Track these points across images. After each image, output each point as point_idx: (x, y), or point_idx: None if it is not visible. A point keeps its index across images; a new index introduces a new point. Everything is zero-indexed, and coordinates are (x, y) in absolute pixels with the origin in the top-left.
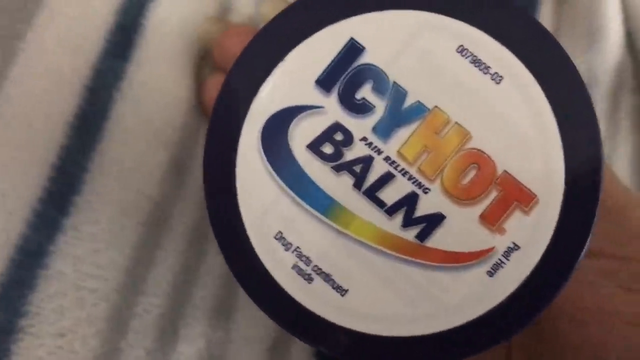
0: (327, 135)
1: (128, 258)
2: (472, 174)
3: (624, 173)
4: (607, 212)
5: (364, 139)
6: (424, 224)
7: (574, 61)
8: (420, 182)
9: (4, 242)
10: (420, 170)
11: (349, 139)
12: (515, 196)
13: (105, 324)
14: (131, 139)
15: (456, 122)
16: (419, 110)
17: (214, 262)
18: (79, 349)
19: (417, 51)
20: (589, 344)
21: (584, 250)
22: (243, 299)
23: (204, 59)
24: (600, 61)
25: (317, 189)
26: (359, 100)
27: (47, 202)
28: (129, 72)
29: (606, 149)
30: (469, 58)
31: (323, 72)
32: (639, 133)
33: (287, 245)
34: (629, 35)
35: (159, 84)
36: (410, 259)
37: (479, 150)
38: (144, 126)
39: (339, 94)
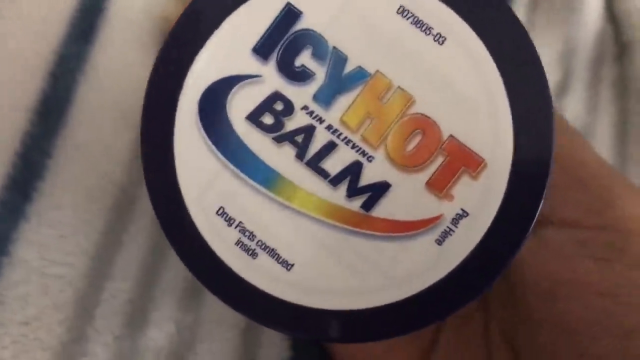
0: (266, 105)
1: (94, 243)
2: (417, 139)
3: (606, 143)
4: (580, 181)
5: (305, 107)
6: (369, 194)
7: (553, 31)
8: (364, 150)
9: None
10: (363, 138)
11: (289, 108)
12: (462, 161)
13: (72, 310)
14: (96, 123)
15: (399, 87)
16: (360, 75)
17: None
18: (44, 337)
19: (356, 13)
20: (563, 317)
21: (536, 215)
22: None
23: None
24: (580, 32)
25: (259, 161)
26: (298, 67)
27: (10, 189)
28: (92, 56)
29: (588, 119)
30: (410, 19)
31: (260, 39)
32: (621, 103)
33: (229, 221)
34: (608, 4)
35: (123, 67)
36: (356, 229)
37: (423, 114)
38: (109, 110)
39: (277, 62)
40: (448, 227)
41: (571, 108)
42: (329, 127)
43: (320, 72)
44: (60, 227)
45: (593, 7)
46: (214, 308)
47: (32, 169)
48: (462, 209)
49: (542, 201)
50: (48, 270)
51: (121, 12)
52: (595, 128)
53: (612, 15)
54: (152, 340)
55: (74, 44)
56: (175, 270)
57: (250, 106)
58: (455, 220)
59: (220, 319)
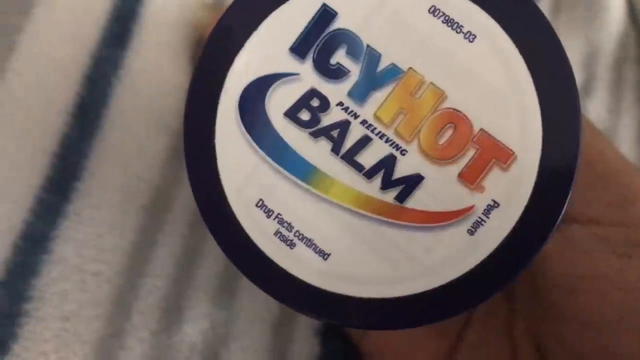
0: (303, 101)
1: (130, 241)
2: (448, 133)
3: (628, 144)
4: (600, 178)
5: (340, 103)
6: (402, 186)
7: (575, 34)
8: (397, 144)
9: (8, 229)
10: (397, 132)
11: (325, 104)
12: (493, 154)
13: (109, 306)
14: (130, 126)
15: (431, 83)
16: (393, 72)
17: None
18: (83, 331)
19: (389, 13)
20: (584, 312)
21: (565, 205)
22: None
23: (199, 45)
24: (602, 34)
25: (296, 155)
26: (333, 65)
27: (49, 189)
28: (127, 60)
29: (610, 121)
30: (441, 18)
31: (297, 39)
32: None
33: (268, 213)
34: (631, 6)
35: (156, 71)
36: (390, 220)
37: (454, 109)
38: (143, 112)
39: (313, 60)
40: (480, 217)
41: (593, 110)
42: (363, 122)
43: (355, 70)
44: (97, 226)
45: (616, 11)
46: (247, 305)
47: (69, 169)
48: (493, 200)
49: (570, 192)
50: (86, 267)
51: (155, 17)
52: (617, 129)
53: (635, 18)
54: (187, 335)
55: (108, 49)
56: (209, 268)
57: (288, 103)
58: (487, 211)
59: (252, 315)
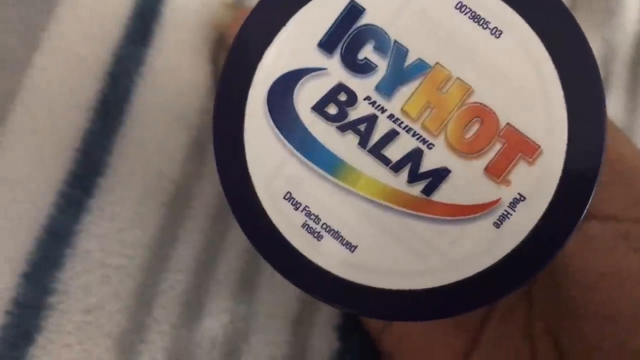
0: (331, 96)
1: (152, 236)
2: (475, 127)
3: None
4: (618, 175)
5: (368, 98)
6: (429, 179)
7: (591, 33)
8: (424, 138)
9: (32, 223)
10: (424, 126)
11: (352, 98)
12: (519, 148)
13: (131, 300)
14: (152, 123)
15: (458, 78)
16: (420, 67)
17: (237, 238)
18: (105, 324)
19: (416, 9)
20: (605, 309)
21: (590, 199)
22: (266, 273)
23: (219, 44)
24: (618, 34)
25: (323, 149)
26: (361, 60)
27: (72, 184)
28: (149, 58)
29: (627, 119)
30: (468, 14)
31: (325, 34)
32: None
33: (296, 205)
34: None
35: (178, 69)
36: (417, 213)
37: (481, 104)
38: (164, 110)
39: (341, 55)
40: (506, 210)
41: (611, 108)
42: (390, 116)
43: (382, 65)
44: (119, 221)
45: (631, 10)
46: (267, 300)
47: (92, 165)
48: (519, 194)
49: (595, 187)
50: (108, 261)
51: (176, 15)
52: (635, 127)
53: None
54: (208, 329)
55: (130, 46)
56: (229, 264)
57: (316, 97)
58: (513, 204)
59: (272, 310)
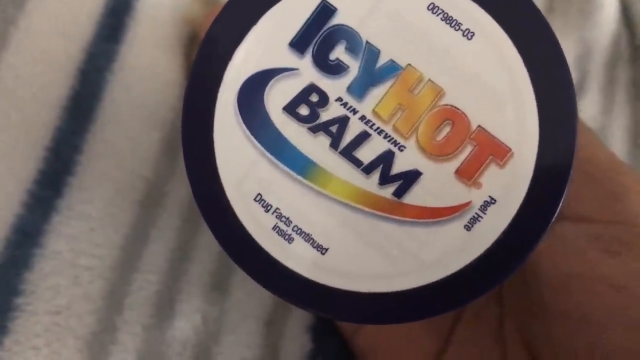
0: (302, 96)
1: (123, 236)
2: (446, 130)
3: (620, 143)
4: (590, 176)
5: (339, 99)
6: (400, 181)
7: (568, 33)
8: (395, 140)
9: (0, 223)
10: (395, 128)
11: (324, 99)
12: (490, 150)
13: (101, 301)
14: (124, 120)
15: (429, 79)
16: (392, 68)
17: (210, 239)
18: (75, 326)
19: (388, 10)
20: (576, 310)
21: (561, 202)
22: (238, 274)
23: (193, 40)
24: (596, 34)
25: (295, 150)
26: (333, 61)
27: (41, 183)
28: (120, 55)
29: (603, 121)
30: (440, 15)
31: (296, 34)
32: (635, 104)
33: (266, 207)
34: (623, 7)
35: (150, 66)
36: (388, 215)
37: (452, 106)
38: (136, 107)
39: (313, 56)
40: (476, 213)
41: (586, 109)
42: (362, 118)
43: (354, 66)
44: (90, 221)
45: (609, 11)
46: (239, 301)
47: (62, 164)
48: (490, 197)
49: (566, 190)
50: (78, 262)
51: (149, 11)
52: (610, 129)
53: (628, 18)
54: (179, 330)
55: (102, 43)
56: (201, 264)
57: (287, 98)
58: (484, 207)
59: (245, 311)
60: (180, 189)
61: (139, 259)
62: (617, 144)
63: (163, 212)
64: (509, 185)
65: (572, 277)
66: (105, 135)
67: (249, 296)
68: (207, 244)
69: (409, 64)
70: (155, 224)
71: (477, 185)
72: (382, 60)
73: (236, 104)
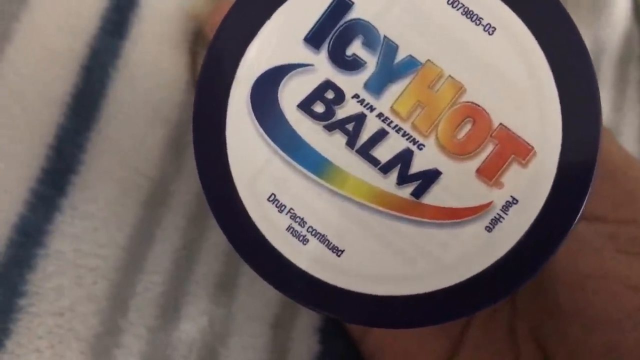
0: (317, 93)
1: (127, 236)
2: (467, 127)
3: (632, 142)
4: (607, 175)
5: (356, 96)
6: (419, 181)
7: (580, 31)
8: (414, 138)
9: (2, 222)
10: (414, 126)
11: (340, 96)
12: (512, 149)
13: (105, 302)
14: (128, 118)
15: (449, 76)
16: (411, 64)
17: (216, 239)
18: (78, 328)
19: (407, 4)
20: (592, 311)
21: (584, 202)
22: (245, 275)
23: (198, 36)
24: (607, 31)
25: (310, 149)
26: (349, 56)
27: (44, 182)
28: (125, 51)
29: (614, 119)
30: (461, 9)
31: (311, 29)
32: None
33: (280, 207)
34: (636, 5)
35: (155, 62)
36: (406, 216)
37: (473, 103)
38: (141, 104)
39: (328, 51)
40: (498, 214)
41: None
42: (379, 115)
43: (371, 61)
44: (93, 220)
45: (620, 9)
46: (246, 303)
47: (66, 162)
48: (512, 197)
49: (589, 191)
50: (82, 262)
51: (154, 7)
52: (621, 127)
53: (639, 16)
54: (185, 332)
55: (107, 39)
56: (208, 265)
57: (302, 95)
58: (505, 208)
59: (252, 313)
60: (186, 188)
61: (144, 259)
62: (629, 142)
63: (168, 211)
64: (531, 185)
65: (587, 277)
66: (109, 133)
67: (256, 297)
68: (214, 244)
69: (429, 60)
70: (160, 223)
71: (499, 185)
72: (401, 56)
73: (249, 101)
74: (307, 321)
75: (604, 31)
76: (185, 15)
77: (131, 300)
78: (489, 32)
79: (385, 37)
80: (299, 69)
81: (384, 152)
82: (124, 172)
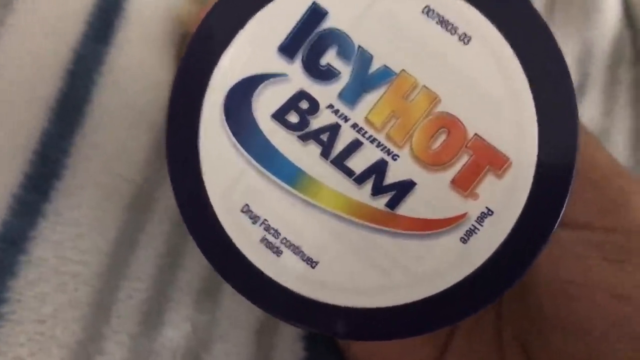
0: (292, 103)
1: (111, 242)
2: (442, 138)
3: (623, 147)
4: (591, 182)
5: (330, 106)
6: (394, 192)
7: (569, 34)
8: (389, 149)
9: None
10: (388, 137)
11: (314, 106)
12: (487, 160)
13: (88, 309)
14: (113, 123)
15: (424, 86)
16: (385, 74)
17: None
18: (60, 335)
19: (381, 13)
20: (575, 319)
21: (561, 214)
22: None
23: (183, 40)
24: (597, 34)
25: (284, 159)
26: (323, 66)
27: (28, 187)
28: (110, 56)
29: (604, 123)
30: (436, 19)
31: (285, 38)
32: (637, 106)
33: (254, 219)
34: (626, 6)
35: (140, 66)
36: (381, 227)
37: (448, 113)
38: (126, 109)
39: (302, 61)
40: (473, 225)
41: (587, 111)
42: (354, 126)
43: (345, 71)
44: (77, 226)
45: (611, 11)
46: (230, 309)
47: (49, 167)
48: (487, 208)
49: (567, 201)
50: (64, 269)
51: (140, 12)
52: (611, 131)
53: (631, 19)
54: (168, 339)
55: (91, 43)
56: (191, 271)
57: (276, 105)
58: (480, 219)
59: (236, 319)
60: (170, 194)
61: (127, 265)
62: (619, 146)
63: (152, 216)
64: (507, 196)
65: (571, 286)
66: (94, 137)
67: (241, 304)
68: (198, 251)
69: (403, 70)
70: (143, 229)
71: (474, 196)
72: (375, 66)
73: (223, 111)
74: (292, 328)
75: (593, 33)
76: (171, 19)
77: (114, 306)
78: (464, 42)
79: (359, 46)
80: (273, 79)
81: (359, 162)
82: (108, 177)
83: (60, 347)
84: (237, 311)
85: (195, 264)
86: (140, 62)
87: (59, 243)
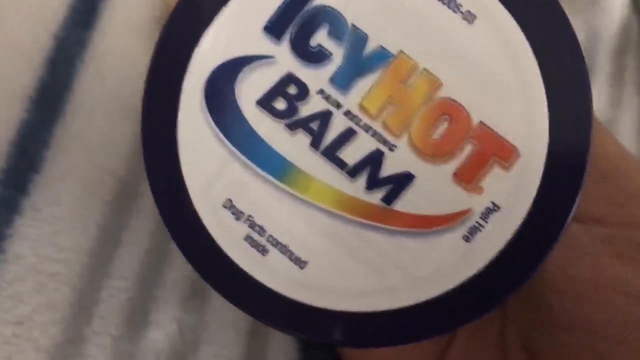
0: (279, 88)
1: (92, 239)
2: (444, 126)
3: (629, 136)
4: (602, 174)
5: (321, 91)
6: (390, 185)
7: (574, 19)
8: (385, 138)
9: None
10: (384, 125)
11: (303, 92)
12: (493, 150)
13: (68, 309)
14: (95, 112)
15: (424, 69)
16: (381, 56)
17: None
18: (38, 337)
19: None
20: (586, 318)
21: (573, 210)
22: None
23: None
24: (604, 22)
25: (270, 150)
26: (313, 47)
27: (4, 181)
28: (93, 42)
29: (611, 113)
30: None
31: (272, 16)
32: None
33: (237, 214)
34: None
35: (124, 53)
36: (376, 224)
37: (450, 99)
38: (109, 98)
39: (290, 41)
40: (477, 222)
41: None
42: (347, 113)
43: (337, 53)
44: (56, 223)
45: None
46: (219, 309)
47: (27, 160)
48: (493, 203)
49: (579, 195)
50: (43, 268)
51: None
52: (618, 121)
53: (638, 5)
54: (153, 341)
55: (74, 29)
56: (178, 269)
57: (261, 90)
58: (485, 215)
59: (225, 320)
60: None
61: (110, 263)
62: (627, 137)
63: (136, 212)
64: (514, 190)
65: (582, 284)
66: (75, 128)
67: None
68: None
69: (401, 51)
70: (127, 225)
71: (478, 190)
72: (370, 47)
73: (203, 97)
74: None
75: (600, 20)
76: (158, 3)
77: (95, 307)
78: (468, 21)
79: (353, 25)
80: (258, 61)
81: (352, 153)
82: (89, 170)
83: (37, 351)
84: (227, 311)
85: (182, 261)
86: (124, 48)
87: (37, 240)
